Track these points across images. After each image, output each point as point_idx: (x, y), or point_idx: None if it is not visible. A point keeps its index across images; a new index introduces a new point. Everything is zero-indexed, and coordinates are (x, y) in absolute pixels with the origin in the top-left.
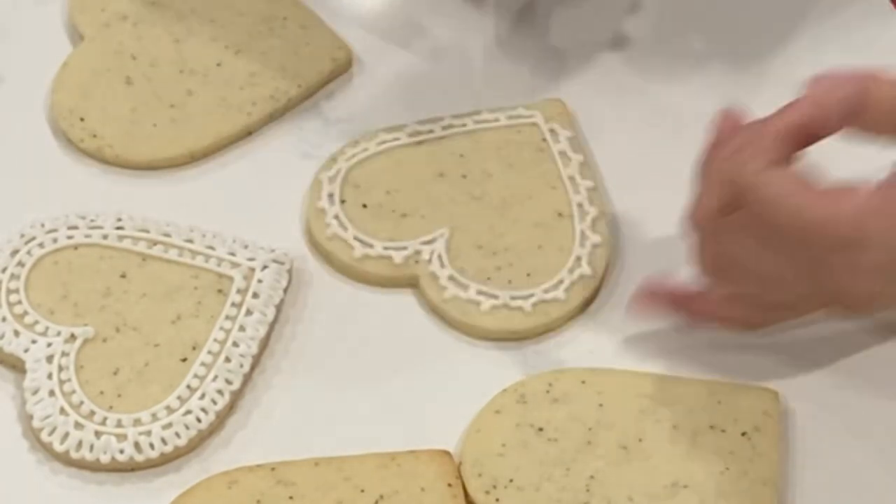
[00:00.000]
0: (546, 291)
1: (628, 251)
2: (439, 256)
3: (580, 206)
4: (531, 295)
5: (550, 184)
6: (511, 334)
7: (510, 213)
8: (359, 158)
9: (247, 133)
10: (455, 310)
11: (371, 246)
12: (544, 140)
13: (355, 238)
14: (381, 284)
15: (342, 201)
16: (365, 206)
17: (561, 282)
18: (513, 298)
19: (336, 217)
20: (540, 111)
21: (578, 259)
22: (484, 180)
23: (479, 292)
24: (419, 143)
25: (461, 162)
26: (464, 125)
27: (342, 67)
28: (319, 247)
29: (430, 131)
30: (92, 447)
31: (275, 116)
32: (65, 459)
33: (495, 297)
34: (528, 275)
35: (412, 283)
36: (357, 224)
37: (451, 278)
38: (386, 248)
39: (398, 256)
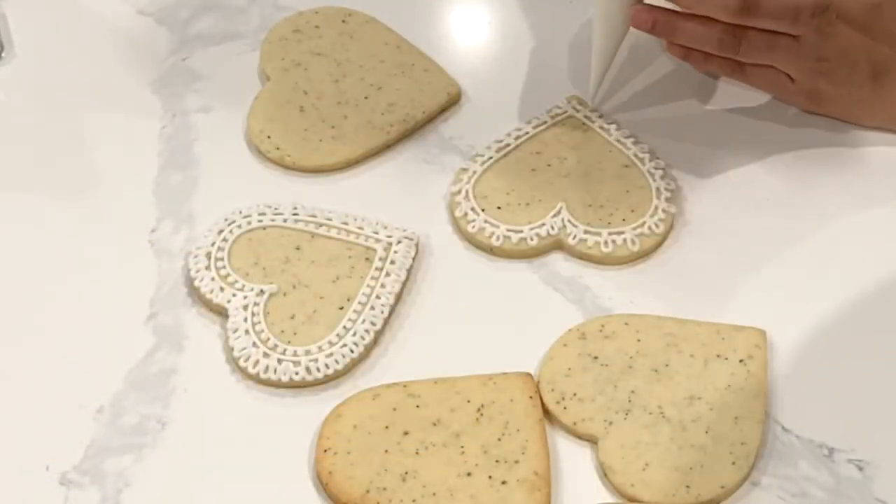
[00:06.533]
0: (611, 235)
1: (682, 235)
2: (569, 220)
3: (637, 156)
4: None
5: (607, 149)
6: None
7: (593, 177)
8: (473, 181)
9: (386, 147)
10: (593, 250)
11: (520, 231)
12: (584, 123)
13: (508, 229)
14: (527, 256)
15: (482, 209)
16: (499, 207)
17: (645, 223)
18: (586, 232)
19: (486, 221)
20: (566, 102)
21: (656, 207)
22: (561, 163)
23: (609, 234)
24: (506, 154)
25: (539, 157)
26: (526, 133)
27: (454, 99)
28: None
29: (507, 144)
30: (275, 370)
31: (406, 135)
32: (256, 379)
33: (576, 226)
34: (624, 220)
35: (558, 248)
36: (503, 219)
37: (586, 231)
38: (531, 229)
39: (542, 231)
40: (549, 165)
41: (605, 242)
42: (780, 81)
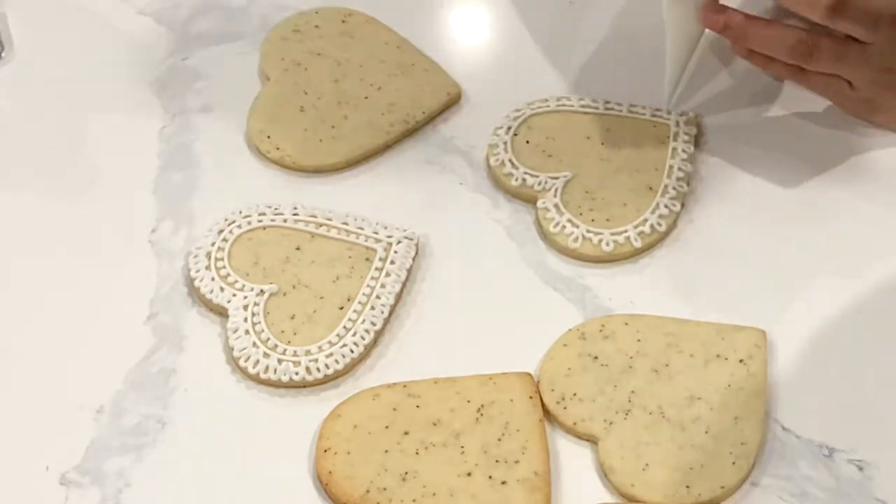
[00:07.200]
0: (613, 235)
1: (683, 235)
2: (556, 189)
3: (666, 187)
4: (601, 233)
5: (656, 166)
6: (580, 256)
7: (619, 177)
8: (541, 109)
9: (386, 147)
10: (548, 224)
11: (517, 168)
12: (668, 137)
13: (509, 160)
14: (514, 195)
15: (515, 134)
16: (528, 141)
17: (626, 231)
18: (588, 231)
19: (504, 143)
20: (675, 118)
21: (645, 221)
22: (615, 150)
23: (570, 221)
24: (585, 112)
25: (606, 134)
26: (620, 110)
27: (454, 100)
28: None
29: (596, 107)
30: (276, 370)
31: (406, 135)
32: (256, 379)
33: (578, 227)
34: (608, 220)
35: (532, 200)
36: (515, 151)
37: (555, 206)
38: (525, 173)
39: (531, 181)
40: (602, 143)
41: (607, 242)
42: (840, 89)
